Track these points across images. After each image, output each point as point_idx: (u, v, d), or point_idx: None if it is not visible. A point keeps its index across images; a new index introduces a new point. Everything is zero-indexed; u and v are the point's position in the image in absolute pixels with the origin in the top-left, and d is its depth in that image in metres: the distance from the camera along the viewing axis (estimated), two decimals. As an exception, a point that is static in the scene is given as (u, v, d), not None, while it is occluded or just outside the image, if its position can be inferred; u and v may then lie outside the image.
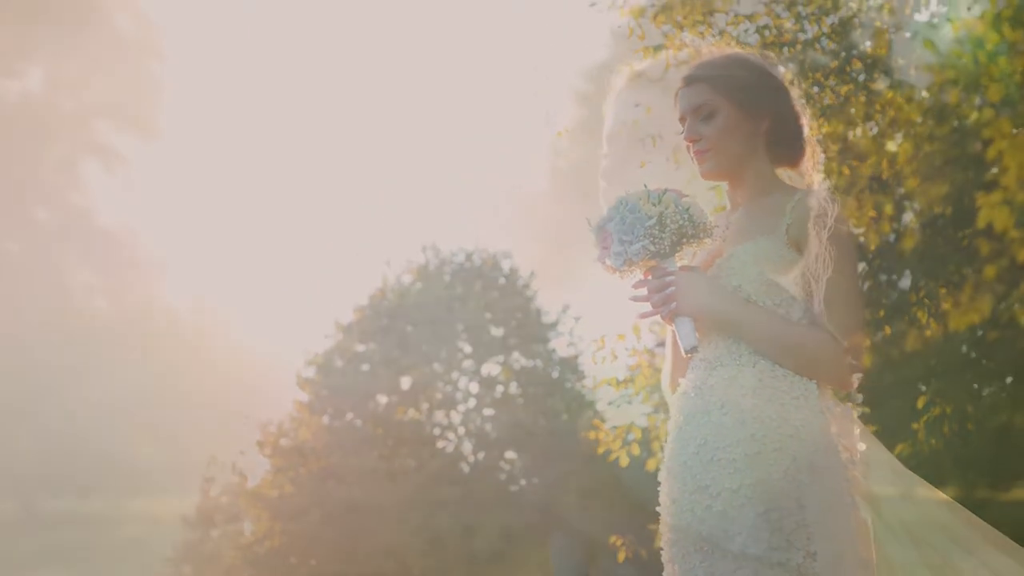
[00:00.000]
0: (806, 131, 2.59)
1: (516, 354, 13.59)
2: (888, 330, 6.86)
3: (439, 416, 13.90)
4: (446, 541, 13.07)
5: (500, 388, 13.50)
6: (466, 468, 13.76)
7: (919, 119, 6.55)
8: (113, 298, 28.25)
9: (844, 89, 6.45)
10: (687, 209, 2.44)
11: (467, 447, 13.78)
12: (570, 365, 12.83)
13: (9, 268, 26.10)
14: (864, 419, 2.47)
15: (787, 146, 2.58)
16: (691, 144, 2.48)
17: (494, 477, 13.17)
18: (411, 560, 13.07)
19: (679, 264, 2.50)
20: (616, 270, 2.48)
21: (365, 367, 14.19)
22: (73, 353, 25.22)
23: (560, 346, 13.36)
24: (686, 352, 2.43)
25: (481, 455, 13.59)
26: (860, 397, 2.34)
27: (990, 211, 6.51)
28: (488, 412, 13.60)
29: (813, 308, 2.44)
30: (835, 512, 2.25)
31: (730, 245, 2.54)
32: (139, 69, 27.41)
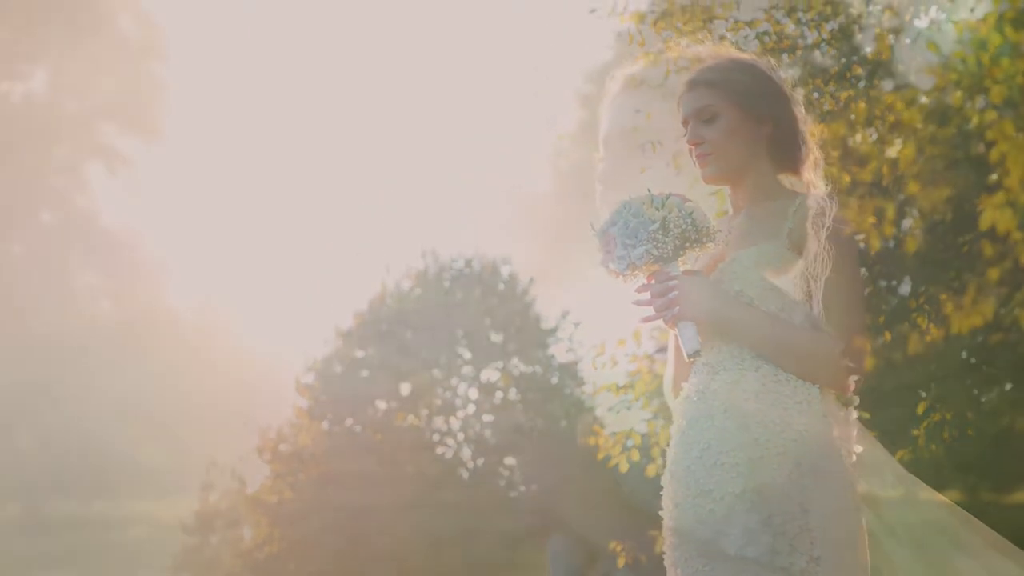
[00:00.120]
0: (808, 136, 2.59)
1: (515, 360, 13.59)
2: (888, 335, 6.85)
3: (438, 422, 13.90)
4: (446, 546, 13.07)
5: (499, 394, 13.51)
6: (465, 474, 13.75)
7: (920, 122, 6.55)
8: (117, 300, 28.28)
9: (844, 95, 6.45)
10: (690, 213, 2.45)
11: (466, 453, 13.78)
12: (569, 371, 12.84)
13: (13, 270, 26.13)
14: (864, 424, 2.47)
15: (789, 151, 2.58)
16: (693, 148, 2.48)
17: (493, 483, 13.18)
18: (411, 565, 13.08)
19: (682, 268, 2.50)
20: (619, 274, 2.48)
21: (364, 373, 14.20)
22: (77, 355, 25.25)
23: (559, 352, 13.38)
24: (689, 356, 2.43)
25: (480, 461, 13.58)
26: (857, 400, 2.34)
27: (993, 213, 6.50)
28: (487, 418, 13.60)
29: (813, 310, 2.44)
30: (838, 516, 2.25)
31: (732, 249, 2.54)
32: (143, 71, 27.44)
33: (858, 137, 6.55)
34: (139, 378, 25.00)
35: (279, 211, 32.12)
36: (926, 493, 2.56)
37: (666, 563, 2.28)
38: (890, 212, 6.90)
